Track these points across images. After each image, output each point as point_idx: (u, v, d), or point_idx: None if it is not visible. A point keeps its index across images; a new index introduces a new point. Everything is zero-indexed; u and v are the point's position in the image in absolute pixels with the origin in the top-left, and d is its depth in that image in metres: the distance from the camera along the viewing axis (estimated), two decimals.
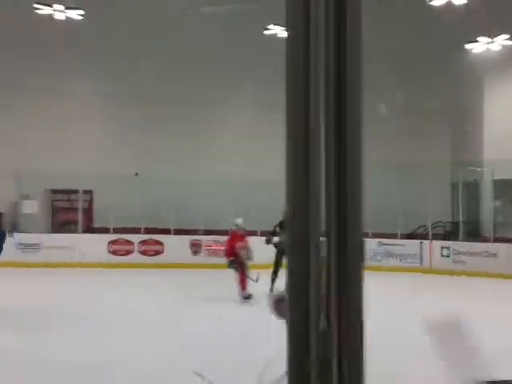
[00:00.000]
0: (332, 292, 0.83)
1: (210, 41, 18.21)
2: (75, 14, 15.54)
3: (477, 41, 17.11)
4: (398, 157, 18.17)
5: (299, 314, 0.85)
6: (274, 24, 17.20)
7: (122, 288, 12.80)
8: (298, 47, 0.85)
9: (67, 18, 15.55)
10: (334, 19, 0.85)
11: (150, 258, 16.78)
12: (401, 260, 16.87)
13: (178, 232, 17.21)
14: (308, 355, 0.83)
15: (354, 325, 0.83)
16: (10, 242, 15.84)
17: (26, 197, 17.20)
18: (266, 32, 17.72)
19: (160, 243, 17.00)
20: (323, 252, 0.84)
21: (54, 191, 18.30)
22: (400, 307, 10.05)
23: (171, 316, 9.72)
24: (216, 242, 15.93)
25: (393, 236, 17.25)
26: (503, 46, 17.25)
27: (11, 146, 17.77)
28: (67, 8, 15.29)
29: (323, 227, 0.86)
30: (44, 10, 15.52)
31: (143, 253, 16.94)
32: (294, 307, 0.85)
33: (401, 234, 17.59)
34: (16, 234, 16.27)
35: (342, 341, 0.82)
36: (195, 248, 17.00)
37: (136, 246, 16.85)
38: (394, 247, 16.96)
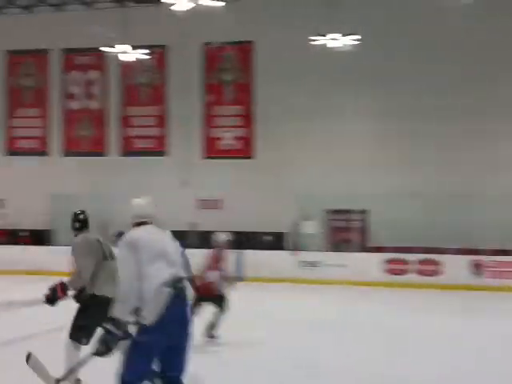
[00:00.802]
0: None
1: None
2: (350, 40, 16.12)
3: None
4: None
5: None
6: None
7: (402, 307, 12.85)
8: None
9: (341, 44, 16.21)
10: None
11: (427, 278, 16.30)
12: None
13: (458, 251, 16.41)
14: None
15: None
16: (293, 259, 17.03)
17: (307, 217, 18.23)
18: None
19: (438, 263, 16.38)
20: None
21: (332, 211, 19.16)
22: None
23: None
24: (501, 262, 14.80)
25: None
26: None
27: (294, 170, 19.16)
28: (342, 35, 15.94)
29: None
30: (319, 41, 16.46)
31: (420, 272, 16.53)
32: None
33: None
34: (299, 252, 17.41)
35: None
36: (477, 268, 15.99)
37: (412, 266, 16.53)
38: None
